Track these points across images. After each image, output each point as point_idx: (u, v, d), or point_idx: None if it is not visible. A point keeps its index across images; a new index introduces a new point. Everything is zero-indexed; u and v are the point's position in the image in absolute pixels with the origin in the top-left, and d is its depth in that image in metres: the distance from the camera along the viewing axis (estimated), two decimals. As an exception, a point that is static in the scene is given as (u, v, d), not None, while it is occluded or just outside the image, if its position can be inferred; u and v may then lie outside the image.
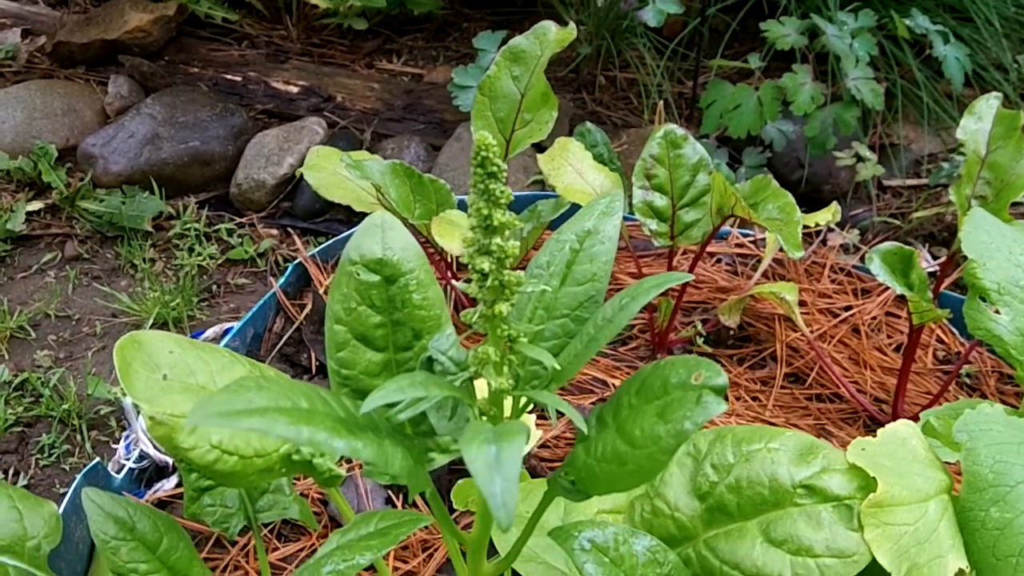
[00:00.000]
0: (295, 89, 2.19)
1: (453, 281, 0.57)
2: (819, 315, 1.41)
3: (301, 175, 1.29)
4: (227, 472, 0.77)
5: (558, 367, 0.54)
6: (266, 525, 1.09)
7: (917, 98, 2.07)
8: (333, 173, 1.27)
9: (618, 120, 2.17)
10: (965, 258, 0.99)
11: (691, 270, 1.28)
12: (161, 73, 2.15)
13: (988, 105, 1.27)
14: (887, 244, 1.13)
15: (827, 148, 1.69)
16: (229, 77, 2.19)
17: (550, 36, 1.25)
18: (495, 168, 0.48)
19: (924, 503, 0.78)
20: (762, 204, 1.16)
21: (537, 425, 1.22)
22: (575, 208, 1.32)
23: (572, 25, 1.25)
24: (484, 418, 0.58)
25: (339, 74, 2.24)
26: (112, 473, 1.09)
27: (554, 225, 1.49)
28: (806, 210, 1.94)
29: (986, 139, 1.25)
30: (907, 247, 1.13)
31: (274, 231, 1.88)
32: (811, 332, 1.38)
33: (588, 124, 1.82)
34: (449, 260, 1.34)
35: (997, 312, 0.94)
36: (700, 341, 1.30)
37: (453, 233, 1.11)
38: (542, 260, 0.61)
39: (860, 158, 1.84)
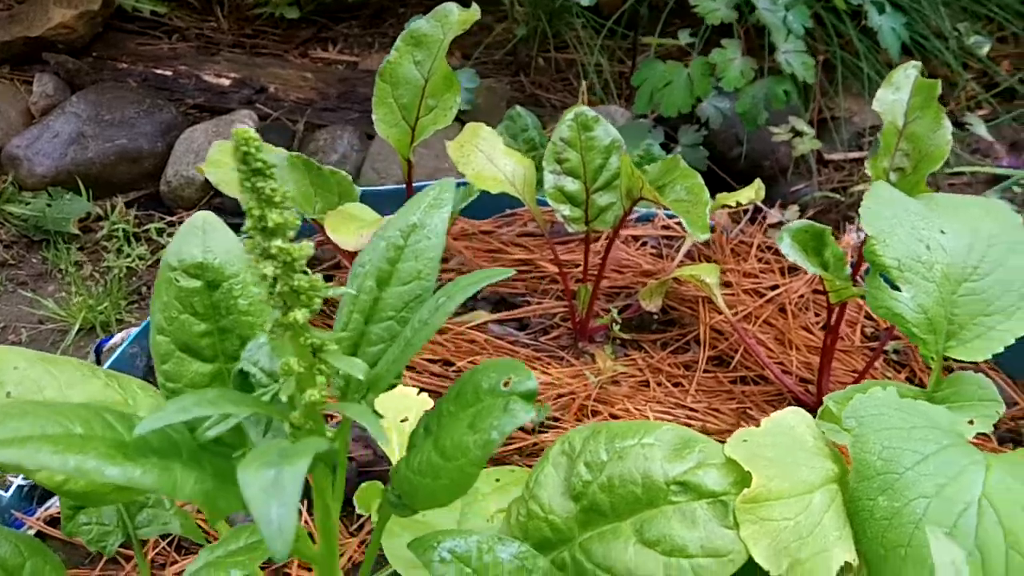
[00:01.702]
0: (227, 81, 2.14)
1: (252, 288, 0.53)
2: (744, 295, 1.37)
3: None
4: (80, 493, 0.73)
5: (360, 377, 0.51)
6: (165, 538, 1.06)
7: (858, 69, 2.04)
8: (234, 168, 1.22)
9: (557, 102, 2.13)
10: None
11: (605, 255, 1.24)
12: (87, 70, 2.09)
13: (906, 75, 1.23)
14: (798, 222, 1.09)
15: (759, 123, 1.66)
16: (159, 72, 2.13)
17: (452, 18, 1.21)
18: (260, 164, 0.44)
19: (807, 495, 0.74)
20: (670, 185, 1.13)
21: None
22: (486, 195, 1.28)
23: (475, 6, 1.21)
24: (300, 432, 0.54)
25: (272, 64, 2.19)
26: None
27: (465, 213, 1.45)
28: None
29: (904, 110, 1.21)
30: (818, 224, 1.09)
31: (205, 228, 1.83)
32: (736, 313, 1.34)
33: (518, 108, 1.78)
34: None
35: (898, 289, 0.91)
36: (616, 328, 1.26)
37: (349, 227, 1.06)
38: (364, 259, 0.57)
39: (797, 132, 1.80)
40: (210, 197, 1.88)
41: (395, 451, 1.02)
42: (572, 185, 1.23)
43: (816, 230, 1.10)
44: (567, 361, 1.28)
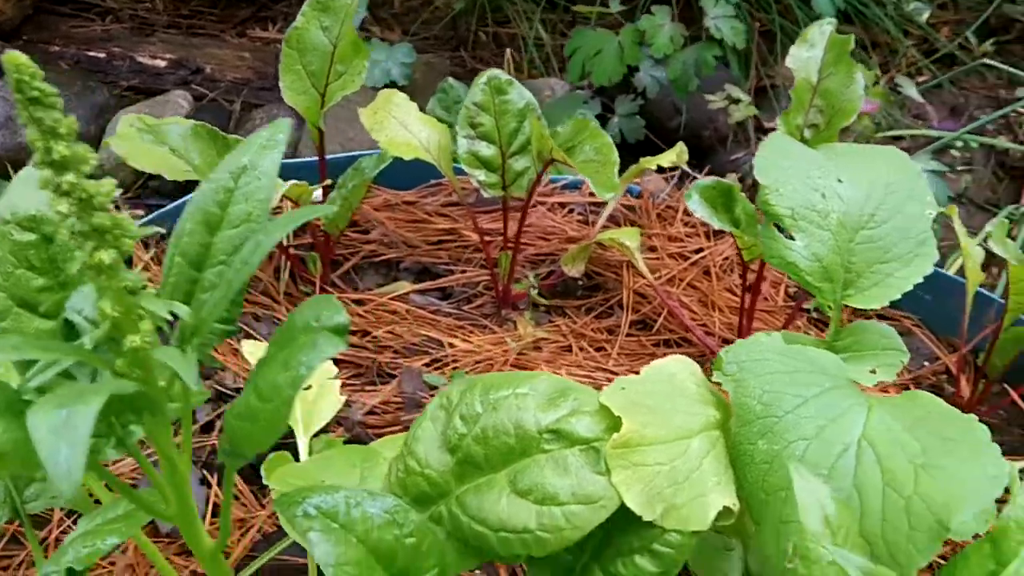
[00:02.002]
0: (162, 63, 2.11)
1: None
2: (669, 259, 1.36)
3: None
4: (-54, 461, 0.71)
5: (167, 317, 0.49)
6: (71, 515, 1.04)
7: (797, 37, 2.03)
8: (143, 141, 1.20)
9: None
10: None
11: (522, 220, 1.23)
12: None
13: (820, 32, 1.22)
14: (706, 179, 1.08)
15: (690, 89, 1.65)
16: (92, 54, 2.10)
17: (360, -17, 1.19)
18: (37, 93, 0.42)
19: (685, 440, 0.74)
20: (579, 146, 1.11)
21: (367, 391, 1.17)
22: (411, 166, 1.27)
23: (383, -30, 1.19)
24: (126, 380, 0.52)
25: (209, 45, 2.16)
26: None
27: (389, 183, 1.44)
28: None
29: (818, 66, 1.21)
30: (726, 181, 1.09)
31: (140, 211, 1.81)
32: (660, 276, 1.34)
33: (450, 80, 1.76)
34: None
35: (791, 238, 0.90)
36: (535, 293, 1.25)
37: (248, 194, 1.05)
38: (193, 203, 0.56)
39: (732, 100, 1.79)
40: (145, 179, 1.86)
41: (298, 420, 1.01)
42: (487, 150, 1.22)
43: (724, 187, 1.09)
44: (490, 329, 1.27)
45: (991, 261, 1.51)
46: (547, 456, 0.70)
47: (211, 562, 0.68)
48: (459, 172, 1.27)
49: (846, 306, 0.97)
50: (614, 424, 0.71)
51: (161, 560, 0.80)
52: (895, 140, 2.06)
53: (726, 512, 0.73)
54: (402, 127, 1.22)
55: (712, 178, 1.09)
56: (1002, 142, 2.05)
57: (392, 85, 1.97)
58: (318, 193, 1.35)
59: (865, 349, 0.94)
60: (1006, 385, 1.25)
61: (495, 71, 1.22)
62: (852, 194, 0.93)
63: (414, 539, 0.69)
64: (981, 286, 1.34)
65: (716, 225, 1.06)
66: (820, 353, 0.82)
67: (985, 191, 2.07)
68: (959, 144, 2.07)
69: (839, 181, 0.93)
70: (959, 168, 2.08)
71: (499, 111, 1.21)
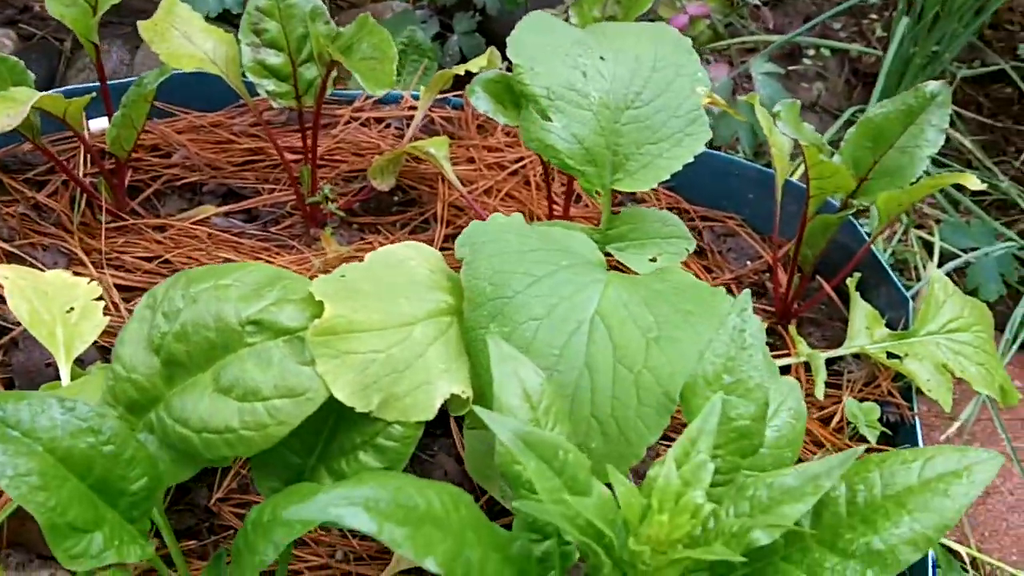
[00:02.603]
0: (-15, 1, 1.97)
1: None
2: (487, 170, 1.32)
3: None
4: None
5: None
6: None
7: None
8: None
9: (343, 3, 2.03)
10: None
11: (315, 128, 1.17)
12: None
13: (620, -80, 1.17)
14: (490, 72, 1.03)
15: (519, 2, 1.59)
16: (-96, -5, 1.96)
17: None
18: None
19: (407, 327, 0.70)
20: (357, 44, 1.06)
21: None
22: (178, 74, 1.18)
23: None
24: None
25: (34, -20, 2.03)
26: None
27: (196, 105, 1.36)
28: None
29: (617, -44, 1.16)
30: (509, 74, 1.04)
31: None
32: (478, 188, 1.29)
33: None
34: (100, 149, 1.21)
35: (549, 120, 0.86)
36: (333, 207, 1.20)
37: (-3, 109, 0.97)
38: None
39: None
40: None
41: (60, 344, 0.94)
42: (275, 58, 1.15)
43: (508, 80, 1.04)
44: (297, 249, 1.21)
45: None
46: (250, 350, 0.66)
47: None
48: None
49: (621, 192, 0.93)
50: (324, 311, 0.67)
51: None
52: (749, 52, 2.04)
53: (458, 400, 0.70)
54: (185, 39, 1.15)
55: (496, 71, 1.04)
56: (855, 47, 2.05)
57: (227, 13, 1.88)
58: (104, 120, 1.27)
59: (645, 237, 0.91)
60: (819, 278, 1.24)
61: (278, -26, 1.15)
62: (616, 72, 0.89)
63: (113, 447, 0.64)
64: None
65: (503, 121, 1.01)
66: (566, 234, 0.78)
67: (838, 98, 2.07)
68: (811, 52, 2.06)
69: (602, 59, 0.89)
70: (811, 79, 2.07)
71: (285, 16, 1.14)
